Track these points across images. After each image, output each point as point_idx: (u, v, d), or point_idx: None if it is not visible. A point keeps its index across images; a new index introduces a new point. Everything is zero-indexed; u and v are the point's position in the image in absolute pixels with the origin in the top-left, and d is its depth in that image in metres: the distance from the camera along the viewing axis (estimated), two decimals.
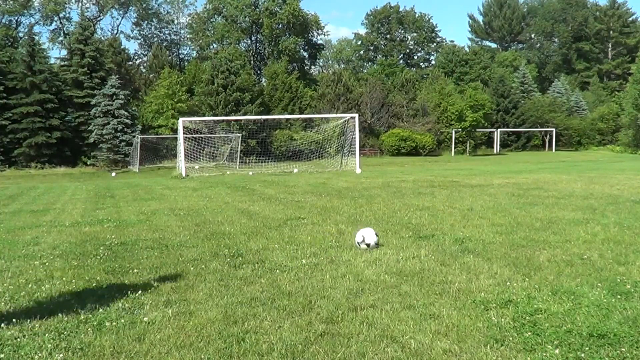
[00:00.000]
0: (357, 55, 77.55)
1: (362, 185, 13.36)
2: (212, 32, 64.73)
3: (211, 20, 65.80)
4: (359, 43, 76.61)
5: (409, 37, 76.19)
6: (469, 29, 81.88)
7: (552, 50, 76.80)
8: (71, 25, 61.95)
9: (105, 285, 4.33)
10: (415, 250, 5.22)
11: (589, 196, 9.36)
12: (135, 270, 4.77)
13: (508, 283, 4.00)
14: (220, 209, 9.37)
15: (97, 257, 5.41)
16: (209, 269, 4.77)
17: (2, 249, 6.14)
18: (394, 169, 26.08)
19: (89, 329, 3.33)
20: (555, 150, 53.24)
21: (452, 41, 76.99)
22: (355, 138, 24.92)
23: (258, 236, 6.34)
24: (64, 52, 51.97)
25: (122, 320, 3.46)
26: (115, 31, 67.00)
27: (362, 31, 79.40)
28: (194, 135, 35.32)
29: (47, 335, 3.24)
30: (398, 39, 75.02)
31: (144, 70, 58.43)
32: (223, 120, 40.11)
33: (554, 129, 54.16)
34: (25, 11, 60.50)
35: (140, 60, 66.40)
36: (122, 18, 71.12)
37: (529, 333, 3.05)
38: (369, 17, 75.06)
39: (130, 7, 66.37)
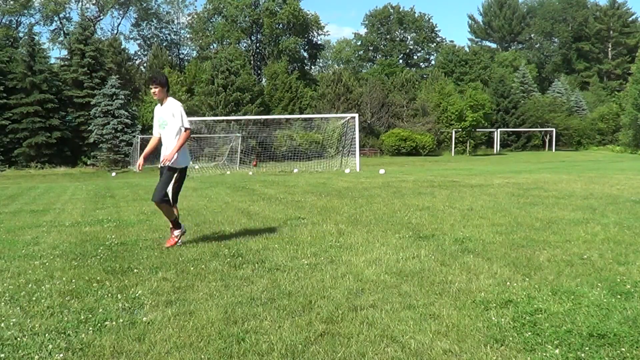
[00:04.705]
0: (357, 55, 77.58)
1: (362, 185, 13.36)
2: (212, 32, 64.80)
3: (211, 20, 65.88)
4: (359, 43, 76.63)
5: (409, 37, 76.25)
6: (469, 29, 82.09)
7: (552, 50, 76.85)
8: (71, 25, 62.13)
9: (105, 285, 4.33)
10: (415, 250, 5.21)
11: (589, 196, 9.35)
12: (135, 270, 4.77)
13: (508, 283, 4.00)
14: (220, 209, 9.37)
15: (97, 257, 5.40)
16: (209, 269, 4.77)
17: (2, 249, 6.14)
18: (394, 168, 26.08)
19: (89, 329, 3.32)
20: (555, 150, 53.28)
21: (452, 41, 77.18)
22: (355, 138, 24.93)
23: (258, 236, 6.33)
24: (64, 52, 52.15)
25: (122, 320, 3.45)
26: (115, 31, 67.13)
27: (363, 31, 79.49)
28: (194, 135, 35.34)
29: (47, 335, 3.24)
30: (398, 39, 75.06)
31: (144, 70, 58.48)
32: (223, 120, 40.14)
33: (554, 129, 54.19)
34: (25, 11, 60.60)
35: (140, 60, 66.48)
36: (122, 18, 71.20)
37: (529, 333, 3.05)
38: (368, 17, 75.11)
39: (130, 7, 66.43)
